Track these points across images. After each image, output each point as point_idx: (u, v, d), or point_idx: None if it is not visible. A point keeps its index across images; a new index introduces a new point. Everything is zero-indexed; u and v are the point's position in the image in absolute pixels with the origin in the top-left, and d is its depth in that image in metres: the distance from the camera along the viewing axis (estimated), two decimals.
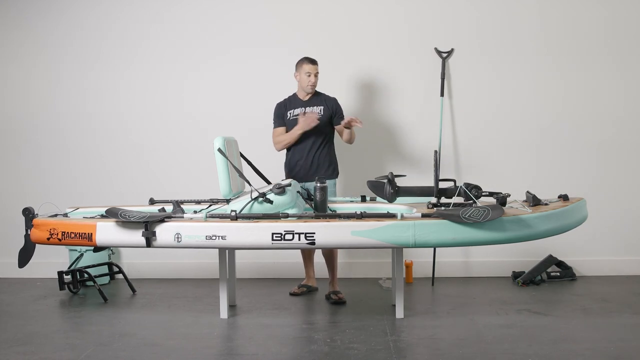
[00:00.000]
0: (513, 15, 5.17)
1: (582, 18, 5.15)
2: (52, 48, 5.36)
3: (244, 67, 5.27)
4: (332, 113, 4.58)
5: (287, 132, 4.56)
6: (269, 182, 4.24)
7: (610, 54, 5.15)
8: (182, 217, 3.74)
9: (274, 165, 4.67)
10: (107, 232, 3.74)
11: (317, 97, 4.62)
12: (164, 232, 3.65)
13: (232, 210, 3.69)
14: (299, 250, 4.73)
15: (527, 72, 5.18)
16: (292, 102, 4.62)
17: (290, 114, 4.58)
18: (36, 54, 5.37)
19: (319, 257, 4.84)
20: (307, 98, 4.60)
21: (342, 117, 4.58)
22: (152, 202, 4.46)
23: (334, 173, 4.61)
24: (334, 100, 4.64)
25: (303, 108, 4.55)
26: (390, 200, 3.96)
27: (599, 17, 5.14)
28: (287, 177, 4.58)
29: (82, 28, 5.34)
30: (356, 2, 5.25)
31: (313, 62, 4.54)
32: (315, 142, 4.52)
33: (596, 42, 5.15)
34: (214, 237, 3.58)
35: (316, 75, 4.53)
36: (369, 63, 5.03)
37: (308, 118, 4.44)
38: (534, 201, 3.80)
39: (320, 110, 4.54)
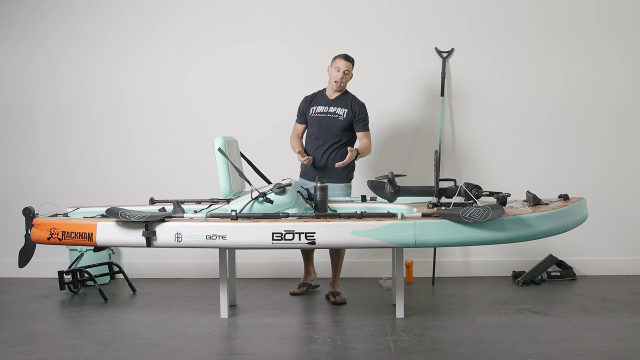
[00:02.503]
0: (513, 15, 5.17)
1: (583, 17, 5.14)
2: (52, 47, 5.34)
3: (245, 67, 5.26)
4: (354, 117, 4.44)
5: (306, 127, 4.54)
6: (269, 182, 4.24)
7: (611, 55, 5.14)
8: (183, 217, 3.74)
9: (274, 165, 4.67)
10: (108, 232, 3.74)
11: (343, 99, 4.47)
12: (164, 232, 3.65)
13: (232, 210, 3.69)
14: (299, 250, 4.72)
15: (528, 71, 5.17)
16: (317, 98, 4.53)
17: (313, 110, 4.49)
18: (36, 53, 5.36)
19: (319, 257, 4.84)
20: (333, 97, 4.48)
21: (365, 124, 4.45)
22: (152, 201, 4.46)
23: (347, 177, 4.51)
24: (362, 105, 4.46)
25: (327, 107, 4.45)
26: (391, 200, 3.96)
27: (600, 17, 5.13)
28: (302, 174, 4.55)
29: (82, 28, 5.33)
30: (357, 2, 5.25)
31: (346, 58, 4.40)
32: (333, 144, 4.43)
33: (597, 43, 5.14)
34: (214, 237, 3.58)
35: (345, 73, 4.37)
36: (369, 63, 5.03)
37: (301, 158, 4.38)
38: (534, 201, 3.80)
39: (344, 113, 4.43)
